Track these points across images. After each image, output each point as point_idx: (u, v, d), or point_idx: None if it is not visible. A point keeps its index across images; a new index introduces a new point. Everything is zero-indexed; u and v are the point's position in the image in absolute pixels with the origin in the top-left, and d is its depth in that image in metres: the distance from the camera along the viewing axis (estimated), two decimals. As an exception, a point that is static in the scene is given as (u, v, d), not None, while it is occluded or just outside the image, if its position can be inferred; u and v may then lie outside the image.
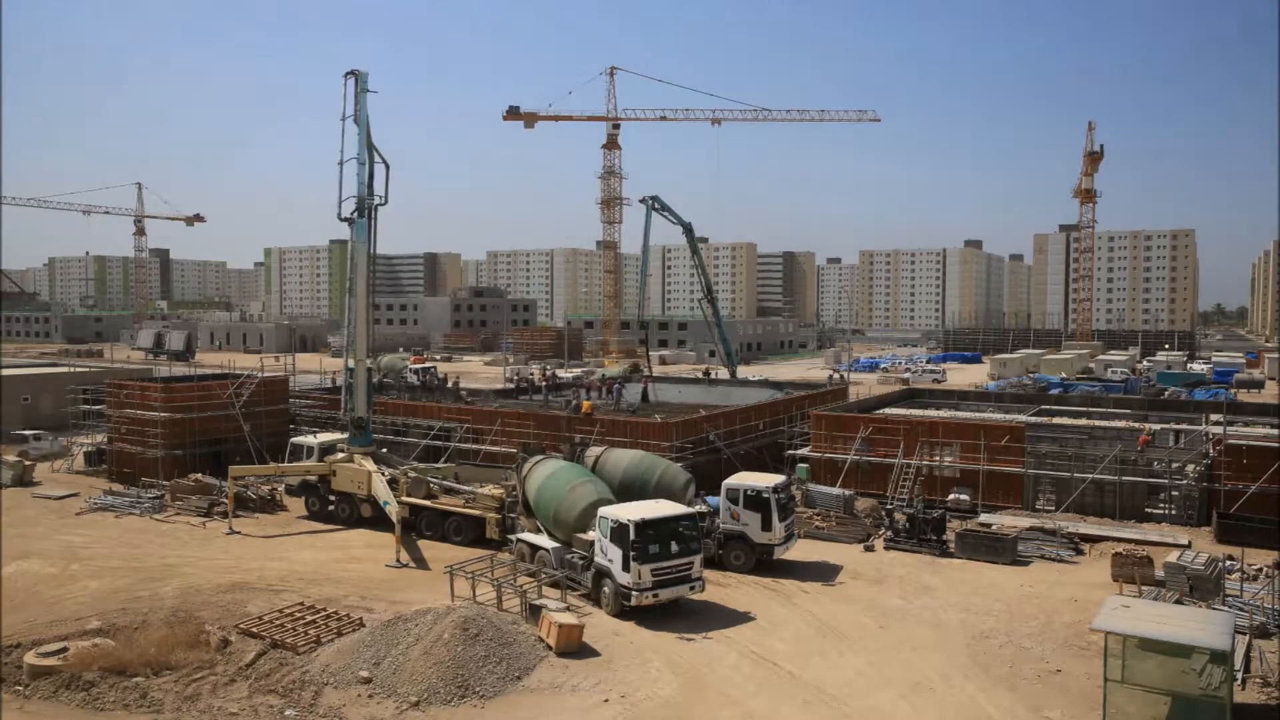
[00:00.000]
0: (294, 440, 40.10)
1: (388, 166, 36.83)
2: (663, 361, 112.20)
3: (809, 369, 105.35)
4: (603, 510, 25.73)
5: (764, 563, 29.22)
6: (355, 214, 36.46)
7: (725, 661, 22.02)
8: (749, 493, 29.26)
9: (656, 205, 65.40)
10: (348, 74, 36.49)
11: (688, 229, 68.70)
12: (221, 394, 44.45)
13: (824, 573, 29.36)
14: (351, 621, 23.70)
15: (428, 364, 71.49)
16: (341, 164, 36.26)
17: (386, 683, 20.21)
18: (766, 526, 28.90)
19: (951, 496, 36.68)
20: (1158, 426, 42.23)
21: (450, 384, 59.55)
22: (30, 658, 21.04)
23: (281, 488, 39.42)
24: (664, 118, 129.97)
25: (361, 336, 37.75)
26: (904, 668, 21.65)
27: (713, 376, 67.99)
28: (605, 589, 25.24)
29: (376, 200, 36.85)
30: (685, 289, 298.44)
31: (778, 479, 30.30)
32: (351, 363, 38.19)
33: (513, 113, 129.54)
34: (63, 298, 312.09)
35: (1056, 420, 45.40)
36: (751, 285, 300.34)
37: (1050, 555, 30.99)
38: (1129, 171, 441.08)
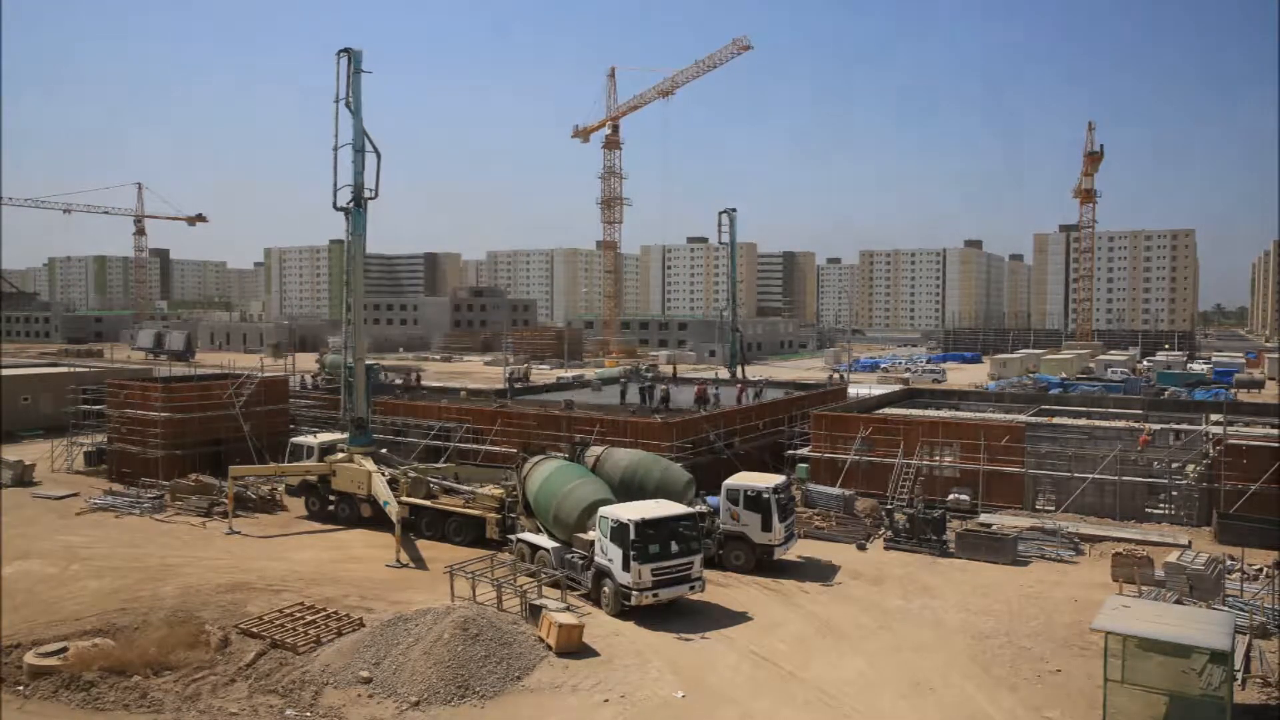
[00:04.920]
0: (294, 440, 40.01)
1: (379, 156, 34.91)
2: (668, 361, 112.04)
3: (809, 369, 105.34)
4: (603, 510, 25.73)
5: (764, 563, 29.21)
6: (351, 203, 35.06)
7: (725, 661, 22.02)
8: (749, 493, 29.24)
9: (732, 217, 71.91)
10: (340, 52, 34.49)
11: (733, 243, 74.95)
12: (221, 394, 44.43)
13: (824, 573, 29.37)
14: (351, 621, 23.70)
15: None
16: (336, 150, 34.51)
17: (386, 683, 20.21)
18: (766, 527, 28.88)
19: (951, 496, 36.66)
20: (1158, 426, 42.20)
21: (416, 379, 57.49)
22: (30, 658, 21.01)
23: (281, 488, 39.40)
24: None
25: (359, 333, 37.61)
26: (904, 668, 21.66)
27: (715, 377, 68.85)
28: (605, 589, 25.25)
29: (366, 193, 35.26)
30: (685, 289, 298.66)
31: (778, 479, 30.27)
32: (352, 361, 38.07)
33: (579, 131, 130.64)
34: (63, 297, 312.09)
35: (1056, 420, 45.37)
36: (751, 285, 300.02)
37: (1050, 555, 31.00)
38: (1129, 171, 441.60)
